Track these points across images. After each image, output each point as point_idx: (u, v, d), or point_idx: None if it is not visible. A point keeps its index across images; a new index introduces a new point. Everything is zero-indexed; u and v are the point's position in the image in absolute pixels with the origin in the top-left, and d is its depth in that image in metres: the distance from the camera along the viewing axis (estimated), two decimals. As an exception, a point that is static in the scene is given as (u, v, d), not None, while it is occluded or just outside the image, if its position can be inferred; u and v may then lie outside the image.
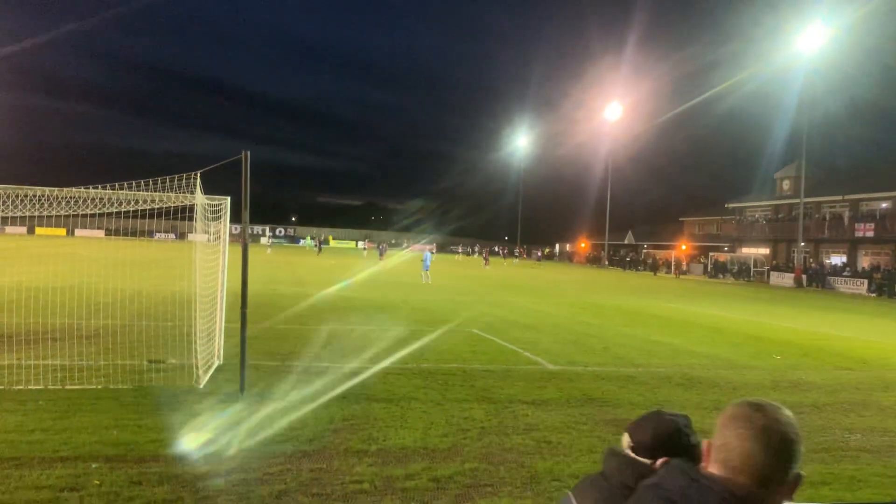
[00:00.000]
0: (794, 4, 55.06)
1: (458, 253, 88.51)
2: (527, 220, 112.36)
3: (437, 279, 38.63)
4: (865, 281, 49.33)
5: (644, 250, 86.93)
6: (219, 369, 10.44)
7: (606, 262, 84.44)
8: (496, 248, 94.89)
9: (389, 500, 5.73)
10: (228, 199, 11.07)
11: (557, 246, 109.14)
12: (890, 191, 54.54)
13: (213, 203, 10.87)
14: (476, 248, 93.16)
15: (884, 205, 55.76)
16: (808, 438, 8.27)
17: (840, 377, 12.86)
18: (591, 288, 39.75)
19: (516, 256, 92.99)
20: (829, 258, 60.08)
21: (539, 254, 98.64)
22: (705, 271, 69.12)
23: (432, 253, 42.91)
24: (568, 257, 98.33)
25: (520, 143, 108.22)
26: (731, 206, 73.85)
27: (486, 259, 66.54)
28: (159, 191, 9.45)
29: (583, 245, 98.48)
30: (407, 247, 76.74)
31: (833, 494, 6.41)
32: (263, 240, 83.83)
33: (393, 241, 55.38)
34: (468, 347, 14.04)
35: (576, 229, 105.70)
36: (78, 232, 76.28)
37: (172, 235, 68.84)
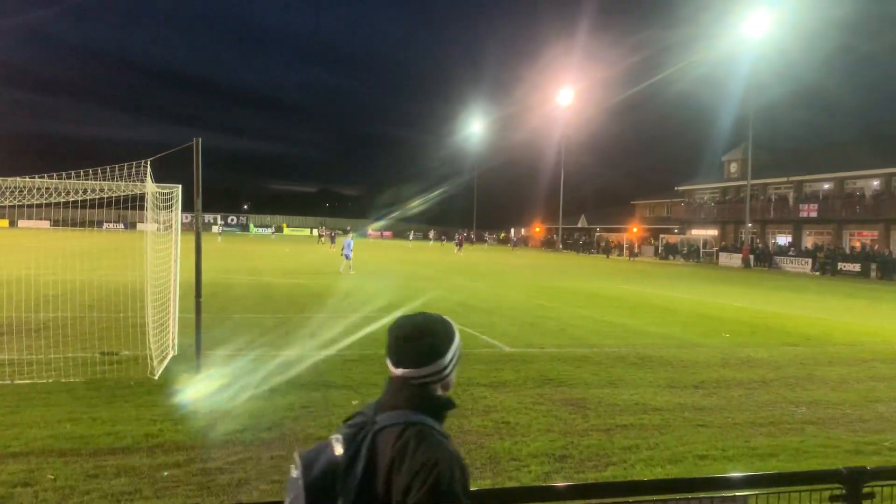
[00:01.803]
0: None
1: (431, 240, 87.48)
2: (482, 205, 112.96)
3: (395, 265, 38.59)
4: (809, 260, 50.89)
5: (597, 233, 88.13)
6: (174, 360, 10.31)
7: (560, 246, 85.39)
8: (467, 234, 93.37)
9: (351, 484, 5.77)
10: (180, 187, 10.89)
11: (513, 230, 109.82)
12: (831, 172, 56.27)
13: (164, 192, 10.69)
14: (431, 234, 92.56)
15: (826, 186, 57.51)
16: (755, 412, 8.59)
17: (786, 353, 13.30)
18: (546, 271, 40.19)
19: (486, 241, 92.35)
20: (774, 238, 61.81)
21: (515, 239, 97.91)
22: (656, 253, 70.44)
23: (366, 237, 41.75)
24: (523, 241, 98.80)
25: (474, 128, 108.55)
26: (680, 188, 75.32)
27: (458, 245, 65.69)
28: (108, 180, 9.25)
29: (537, 229, 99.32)
30: (354, 234, 76.09)
31: (780, 465, 6.66)
32: (215, 228, 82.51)
33: (348, 228, 55.27)
34: (426, 332, 14.07)
35: (530, 213, 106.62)
36: (21, 223, 74.02)
37: (122, 225, 67.21)
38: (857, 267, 46.56)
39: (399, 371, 1.95)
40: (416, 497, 1.67)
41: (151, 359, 9.53)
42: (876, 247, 49.72)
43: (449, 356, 1.97)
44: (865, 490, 2.84)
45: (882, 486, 2.98)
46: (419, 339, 1.96)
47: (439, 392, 1.97)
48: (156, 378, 9.13)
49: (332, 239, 61.76)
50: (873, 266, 45.47)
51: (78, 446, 6.42)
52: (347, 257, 29.70)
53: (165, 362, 9.99)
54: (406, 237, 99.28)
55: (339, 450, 1.80)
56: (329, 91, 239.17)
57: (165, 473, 5.83)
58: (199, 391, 8.58)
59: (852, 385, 10.58)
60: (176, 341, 10.85)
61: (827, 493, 2.86)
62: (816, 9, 59.27)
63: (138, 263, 10.32)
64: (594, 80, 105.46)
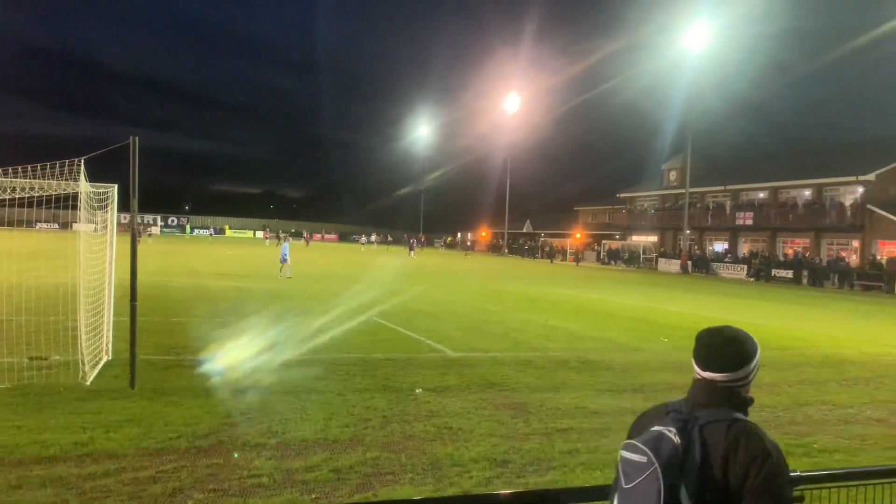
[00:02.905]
0: (681, 3, 57.61)
1: (373, 243, 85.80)
2: (429, 209, 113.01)
3: (339, 269, 38.27)
4: (745, 266, 52.47)
5: (542, 238, 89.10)
6: (107, 365, 9.97)
7: (506, 251, 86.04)
8: (419, 239, 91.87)
9: (289, 492, 5.66)
10: (116, 186, 10.55)
11: (459, 234, 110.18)
12: (765, 181, 58.16)
13: (99, 191, 10.34)
14: (374, 237, 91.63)
15: (761, 195, 59.38)
16: (692, 416, 8.73)
17: (721, 357, 13.61)
18: (491, 276, 40.43)
19: (436, 245, 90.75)
20: (712, 245, 63.50)
21: (468, 244, 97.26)
22: (598, 258, 71.61)
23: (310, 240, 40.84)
24: (470, 246, 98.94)
25: (421, 132, 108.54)
26: (622, 195, 76.77)
27: (411, 248, 64.85)
28: (40, 178, 8.90)
29: (483, 234, 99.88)
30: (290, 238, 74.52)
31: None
32: (154, 229, 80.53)
33: (293, 231, 54.69)
34: (369, 337, 14.00)
35: (477, 218, 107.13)
36: (-54, 222, 70.71)
37: (56, 225, 64.95)
38: (789, 273, 48.19)
39: (707, 374, 2.29)
40: (754, 482, 2.02)
41: (83, 364, 9.19)
42: (807, 254, 51.57)
43: (753, 363, 2.39)
44: (795, 493, 2.90)
45: (811, 489, 3.05)
46: (729, 347, 2.34)
47: (743, 393, 2.35)
48: (87, 384, 8.81)
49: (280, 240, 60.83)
50: (805, 273, 47.13)
51: (1, 456, 6.14)
52: (284, 261, 29.10)
53: (98, 367, 9.66)
54: (355, 240, 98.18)
55: (676, 439, 2.09)
56: (274, 91, 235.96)
57: (93, 483, 5.62)
58: (132, 397, 8.31)
59: (784, 388, 10.91)
60: (110, 346, 10.50)
61: (759, 497, 2.91)
62: (752, 24, 61.38)
63: (71, 265, 9.95)
64: (540, 88, 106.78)
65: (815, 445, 7.79)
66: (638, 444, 2.11)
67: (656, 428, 2.15)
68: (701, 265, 56.76)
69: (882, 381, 11.92)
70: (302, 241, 67.20)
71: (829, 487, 3.11)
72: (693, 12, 53.65)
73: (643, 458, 2.07)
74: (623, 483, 2.11)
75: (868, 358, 14.54)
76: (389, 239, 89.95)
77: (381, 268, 41.95)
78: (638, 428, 2.27)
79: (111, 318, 10.57)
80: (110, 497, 5.38)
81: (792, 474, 2.91)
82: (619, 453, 2.16)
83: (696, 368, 2.31)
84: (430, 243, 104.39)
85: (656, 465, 2.04)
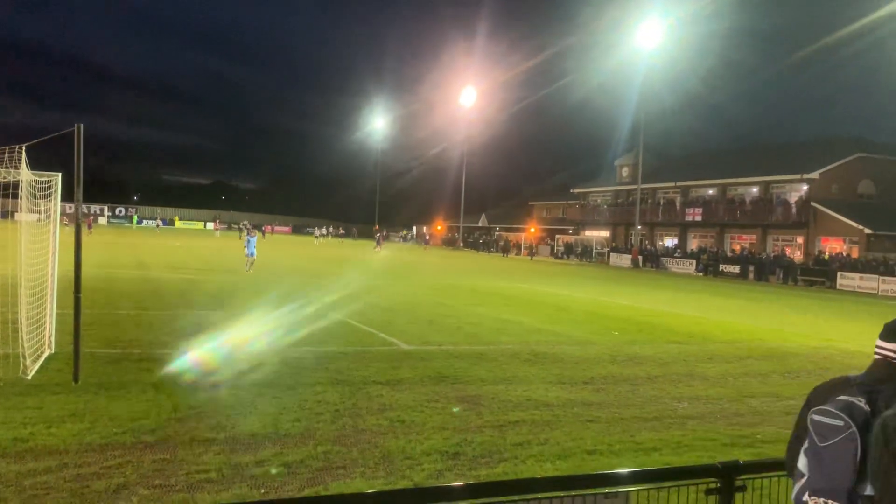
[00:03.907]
0: (634, 0, 58.44)
1: (319, 236, 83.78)
2: (384, 202, 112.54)
3: (291, 261, 37.88)
4: (694, 261, 53.61)
5: (497, 233, 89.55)
6: (50, 359, 9.69)
7: (461, 245, 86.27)
8: (385, 233, 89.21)
9: (238, 487, 5.59)
10: (59, 175, 10.23)
11: (415, 228, 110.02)
12: (714, 178, 59.49)
13: (41, 180, 10.01)
14: (329, 230, 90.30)
15: (710, 191, 60.70)
16: (641, 408, 8.92)
17: (671, 350, 13.93)
18: (446, 270, 40.50)
19: (398, 239, 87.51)
20: (662, 240, 64.75)
21: (427, 237, 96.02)
22: (552, 253, 72.34)
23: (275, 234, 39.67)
24: (424, 240, 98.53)
25: (377, 124, 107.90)
26: (576, 191, 77.64)
27: (378, 242, 63.85)
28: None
29: (439, 227, 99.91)
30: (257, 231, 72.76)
31: (663, 459, 6.94)
32: (102, 220, 78.38)
33: (252, 224, 54.73)
34: (322, 330, 13.89)
35: (432, 211, 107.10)
36: None
37: (-3, 215, 62.81)
38: (736, 269, 49.40)
39: (890, 348, 2.51)
40: None
41: (24, 357, 8.90)
42: (753, 250, 52.93)
43: None
44: (738, 483, 2.97)
45: (753, 478, 3.13)
46: None
47: None
48: (29, 378, 8.55)
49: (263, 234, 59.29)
50: (751, 268, 48.37)
51: (-65, 453, 5.92)
52: (250, 255, 28.08)
53: (40, 361, 9.38)
54: (309, 233, 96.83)
55: (866, 407, 2.36)
56: (225, 80, 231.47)
57: (33, 480, 5.45)
58: (76, 392, 8.09)
59: (730, 381, 11.19)
60: (53, 339, 10.21)
61: (703, 487, 2.98)
62: (704, 22, 62.66)
63: (12, 255, 9.63)
64: (496, 83, 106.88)
65: (758, 436, 8.00)
66: (832, 409, 2.40)
67: (844, 397, 2.43)
68: (651, 260, 57.80)
69: (824, 374, 12.30)
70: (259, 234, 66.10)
71: (771, 476, 3.19)
72: (646, 10, 54.48)
73: (839, 422, 2.35)
74: (818, 442, 2.40)
75: (811, 351, 15.00)
76: (342, 231, 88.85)
77: (345, 262, 41.66)
78: (819, 398, 2.53)
79: (54, 311, 10.26)
80: (51, 494, 5.23)
81: (734, 463, 2.99)
82: (809, 418, 2.45)
83: (880, 346, 2.55)
84: (385, 238, 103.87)
85: (853, 427, 2.32)
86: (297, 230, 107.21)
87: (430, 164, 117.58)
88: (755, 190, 56.07)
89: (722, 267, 50.65)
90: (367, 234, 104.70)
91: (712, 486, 2.96)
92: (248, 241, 28.29)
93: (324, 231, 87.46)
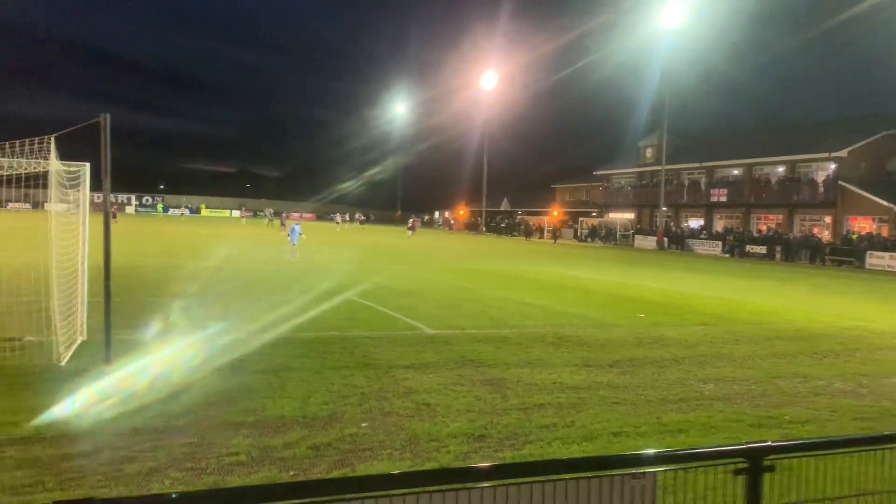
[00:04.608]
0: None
1: (342, 222, 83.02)
2: (408, 187, 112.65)
3: (322, 248, 38.09)
4: (720, 242, 53.08)
5: (519, 216, 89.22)
6: (83, 345, 9.88)
7: (483, 229, 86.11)
8: (416, 219, 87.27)
9: (267, 470, 5.68)
10: (87, 165, 10.37)
11: (437, 213, 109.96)
12: (740, 158, 58.69)
13: (71, 170, 10.16)
14: (348, 216, 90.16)
15: (735, 171, 59.93)
16: (667, 390, 8.89)
17: (696, 332, 13.84)
18: (469, 254, 40.50)
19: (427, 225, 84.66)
20: (687, 222, 64.09)
21: (452, 222, 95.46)
22: (576, 236, 71.98)
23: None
24: (449, 225, 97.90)
25: (398, 109, 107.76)
26: (598, 173, 77.03)
27: (411, 228, 63.78)
28: (9, 156, 8.72)
29: (461, 212, 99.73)
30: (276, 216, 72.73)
31: (689, 440, 6.93)
32: (129, 209, 79.22)
33: (277, 210, 55.61)
34: (348, 315, 14.00)
35: (454, 196, 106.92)
36: (-88, 202, 69.12)
37: (28, 205, 63.81)
38: (763, 249, 48.81)
39: None
40: None
41: (58, 344, 9.09)
42: (780, 230, 52.24)
43: None
44: (766, 463, 2.96)
45: (781, 458, 3.12)
46: None
47: None
48: (62, 364, 8.73)
49: (283, 222, 59.95)
50: (778, 248, 47.78)
51: (-25, 438, 6.08)
52: (293, 242, 28.43)
53: (73, 348, 9.57)
54: (332, 219, 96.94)
55: None
56: (248, 69, 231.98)
57: (69, 464, 5.58)
58: (108, 377, 8.25)
59: (756, 362, 11.10)
60: (85, 326, 10.40)
61: (731, 467, 2.98)
62: (726, 1, 61.43)
63: (44, 245, 9.80)
64: (517, 65, 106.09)
65: (786, 417, 7.94)
66: None
67: None
68: (677, 241, 57.31)
69: (852, 354, 12.16)
70: (283, 221, 66.13)
71: (799, 457, 3.17)
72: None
73: None
74: None
75: (840, 331, 14.82)
76: (362, 218, 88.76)
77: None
78: None
79: (85, 299, 10.44)
80: (87, 477, 5.35)
81: (762, 444, 2.98)
82: None
83: None
84: (405, 222, 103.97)
85: None
86: (320, 216, 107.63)
87: (451, 149, 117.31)
88: (781, 169, 55.25)
89: (748, 248, 50.09)
90: (387, 220, 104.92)
91: (740, 466, 2.96)
92: (292, 229, 28.61)
93: (346, 217, 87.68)
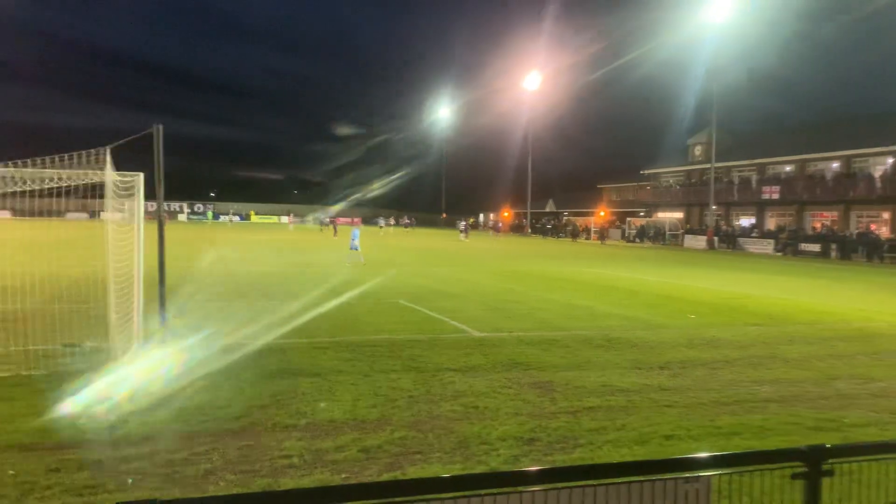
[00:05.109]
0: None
1: (381, 226, 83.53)
2: (451, 190, 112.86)
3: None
4: (772, 241, 51.86)
5: (565, 217, 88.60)
6: (139, 350, 10.14)
7: (529, 231, 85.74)
8: (471, 222, 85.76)
9: (319, 472, 5.75)
10: (141, 175, 10.66)
11: (481, 216, 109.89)
12: (792, 154, 57.27)
13: (125, 180, 10.46)
14: (394, 220, 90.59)
15: (787, 168, 58.52)
16: (720, 392, 8.73)
17: (750, 333, 13.54)
18: (514, 256, 40.37)
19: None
20: (738, 220, 62.80)
21: (499, 225, 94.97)
22: (623, 236, 71.14)
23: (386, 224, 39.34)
24: (495, 227, 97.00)
25: (441, 113, 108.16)
26: (646, 172, 76.03)
27: (464, 231, 63.43)
28: (66, 168, 9.03)
29: (506, 214, 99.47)
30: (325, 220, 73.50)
31: (743, 444, 6.79)
32: (181, 216, 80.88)
33: (328, 216, 56.88)
34: (395, 318, 14.09)
35: (498, 198, 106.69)
36: (-21, 213, 72.02)
37: (85, 215, 65.87)
38: (817, 247, 47.53)
39: None
40: None
41: (115, 350, 9.36)
42: (835, 227, 50.78)
43: None
44: (825, 467, 2.89)
45: (841, 462, 3.04)
46: None
47: None
48: (120, 369, 8.97)
49: (335, 228, 60.85)
50: (833, 246, 46.45)
51: (39, 440, 6.30)
52: (354, 248, 28.33)
53: (130, 353, 9.82)
54: (376, 223, 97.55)
55: None
56: (293, 76, 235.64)
57: (128, 466, 5.74)
58: (164, 381, 8.46)
59: (813, 363, 10.81)
60: (141, 331, 10.67)
61: (789, 471, 2.91)
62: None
63: (101, 253, 10.12)
64: (561, 65, 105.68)
65: (845, 420, 7.72)
66: None
67: None
68: (727, 241, 56.20)
69: (914, 355, 11.75)
70: (330, 227, 66.80)
71: (860, 461, 3.09)
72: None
73: None
74: None
75: (899, 331, 14.34)
76: (407, 221, 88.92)
77: (400, 249, 42.02)
78: None
79: (141, 305, 10.73)
80: (145, 479, 5.50)
81: (821, 447, 2.90)
82: None
83: None
84: (452, 225, 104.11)
85: None
86: (366, 221, 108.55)
87: (494, 150, 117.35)
88: (836, 165, 53.75)
89: (802, 246, 48.85)
90: (430, 223, 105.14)
91: (798, 470, 2.89)
92: (354, 235, 28.67)
93: (391, 221, 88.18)
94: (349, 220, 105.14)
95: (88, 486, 5.33)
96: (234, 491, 5.23)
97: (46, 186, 9.94)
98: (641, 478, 2.70)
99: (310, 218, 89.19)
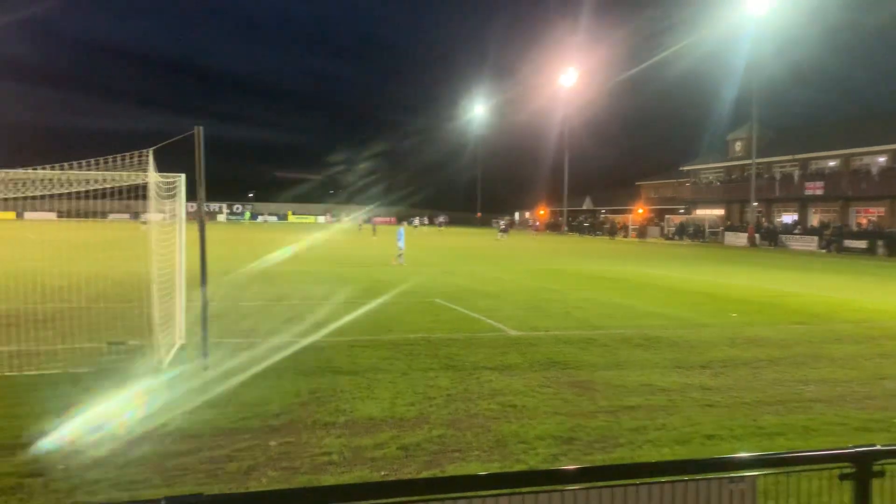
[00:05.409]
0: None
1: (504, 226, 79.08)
2: (486, 189, 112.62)
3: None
4: (816, 238, 50.72)
5: (602, 215, 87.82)
6: (182, 348, 10.35)
7: (566, 228, 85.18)
8: (511, 221, 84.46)
9: (359, 470, 5.80)
10: (183, 176, 10.86)
11: (517, 214, 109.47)
12: (837, 149, 55.92)
13: (167, 181, 10.66)
14: (427, 219, 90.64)
15: (832, 163, 57.18)
16: (763, 391, 8.57)
17: (793, 332, 13.27)
18: (550, 254, 40.15)
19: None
20: (780, 217, 61.56)
21: (537, 224, 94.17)
22: (662, 234, 70.27)
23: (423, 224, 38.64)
24: (534, 226, 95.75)
25: (476, 110, 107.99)
26: (685, 168, 74.97)
27: (504, 230, 63.12)
28: (111, 170, 9.23)
29: (542, 212, 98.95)
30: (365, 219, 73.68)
31: (788, 444, 6.66)
32: (220, 217, 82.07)
33: (367, 216, 57.49)
34: (431, 317, 14.12)
35: (534, 196, 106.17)
36: (28, 215, 74.15)
37: (128, 215, 67.31)
38: (863, 244, 46.33)
39: None
40: None
41: (159, 348, 9.55)
42: (882, 223, 49.46)
43: None
44: (875, 468, 2.82)
45: (892, 463, 2.96)
46: None
47: None
48: (163, 367, 9.16)
49: (374, 227, 61.24)
50: (880, 243, 45.25)
51: (87, 436, 6.45)
52: (400, 248, 28.27)
53: (173, 351, 10.03)
54: (411, 223, 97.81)
55: None
56: (330, 78, 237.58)
57: (173, 462, 5.86)
58: (206, 379, 8.60)
59: (860, 362, 10.56)
60: (183, 330, 10.88)
61: (836, 472, 2.85)
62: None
63: (144, 253, 10.34)
64: (597, 61, 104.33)
65: (895, 420, 7.52)
66: None
67: None
68: (769, 238, 55.14)
69: (966, 354, 11.40)
70: (369, 226, 66.86)
71: (912, 462, 3.00)
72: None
73: None
74: None
75: (950, 330, 13.92)
76: (441, 220, 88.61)
77: (436, 249, 42.08)
78: None
79: (183, 304, 10.93)
80: (189, 475, 5.60)
81: (871, 448, 2.83)
82: None
83: None
84: (488, 223, 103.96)
85: None
86: (401, 220, 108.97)
87: (529, 148, 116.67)
88: (882, 159, 52.32)
89: (847, 243, 47.66)
90: (464, 222, 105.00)
91: (846, 471, 2.82)
92: (399, 234, 28.72)
93: (425, 220, 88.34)
94: (387, 219, 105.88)
95: (135, 480, 5.45)
96: (276, 487, 5.30)
97: (91, 188, 10.20)
98: (685, 477, 2.66)
99: (346, 217, 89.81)
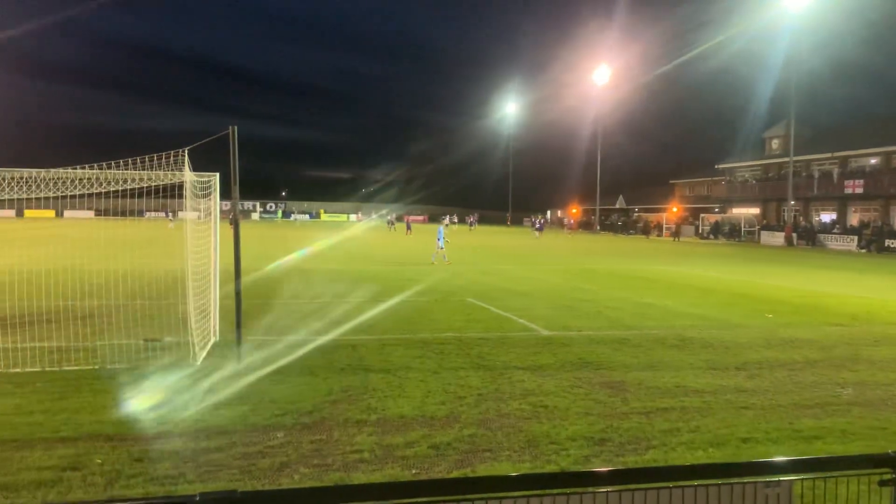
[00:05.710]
0: (780, -39, 54.43)
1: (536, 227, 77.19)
2: (517, 188, 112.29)
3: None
4: (855, 237, 49.66)
5: (635, 214, 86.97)
6: (215, 346, 10.48)
7: (598, 227, 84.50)
8: (541, 219, 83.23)
9: (390, 468, 5.82)
10: (217, 175, 11.00)
11: (549, 213, 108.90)
12: (878, 146, 54.64)
13: (202, 180, 10.81)
14: (468, 218, 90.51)
15: (872, 161, 55.90)
16: (800, 394, 8.42)
17: (831, 333, 13.01)
18: (583, 253, 39.89)
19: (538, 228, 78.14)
20: (818, 216, 60.37)
21: (572, 223, 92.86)
22: (697, 233, 69.38)
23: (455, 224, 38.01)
24: (568, 225, 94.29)
25: (508, 109, 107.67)
26: (720, 167, 73.91)
27: (539, 229, 62.86)
28: (147, 169, 9.39)
29: (574, 211, 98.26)
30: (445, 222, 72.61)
31: (825, 448, 6.53)
32: (255, 216, 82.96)
33: (399, 214, 57.59)
34: (463, 316, 14.12)
35: (566, 195, 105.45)
36: (67, 213, 75.83)
37: (163, 214, 68.40)
38: (905, 244, 45.28)
39: None
40: None
41: (193, 345, 9.69)
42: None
43: None
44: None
45: (934, 470, 2.88)
46: None
47: None
48: (198, 364, 9.29)
49: (408, 226, 61.38)
50: (923, 243, 44.19)
51: (123, 431, 6.58)
52: (440, 247, 28.25)
53: (207, 348, 10.16)
54: (442, 220, 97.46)
55: None
56: (361, 77, 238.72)
57: (207, 457, 5.94)
58: (239, 376, 8.71)
59: (901, 365, 10.30)
60: (217, 327, 11.02)
61: (876, 478, 2.78)
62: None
63: (180, 251, 10.50)
64: (630, 58, 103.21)
65: (936, 425, 7.33)
66: None
67: None
68: (806, 237, 54.12)
69: None
70: (402, 224, 66.92)
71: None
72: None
73: None
74: None
75: None
76: (472, 219, 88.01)
77: (468, 248, 42.04)
78: None
79: (217, 301, 11.07)
80: (222, 470, 5.67)
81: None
82: None
83: None
84: (518, 222, 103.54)
85: None
86: (433, 219, 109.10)
87: (561, 147, 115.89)
88: (926, 157, 51.03)
89: (888, 242, 46.57)
90: (495, 221, 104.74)
91: (886, 477, 2.76)
92: (439, 233, 28.72)
93: (454, 219, 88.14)
94: (420, 217, 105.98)
95: (170, 475, 5.54)
96: (308, 484, 5.34)
97: (128, 187, 10.39)
98: (719, 481, 2.62)
99: (376, 216, 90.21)
